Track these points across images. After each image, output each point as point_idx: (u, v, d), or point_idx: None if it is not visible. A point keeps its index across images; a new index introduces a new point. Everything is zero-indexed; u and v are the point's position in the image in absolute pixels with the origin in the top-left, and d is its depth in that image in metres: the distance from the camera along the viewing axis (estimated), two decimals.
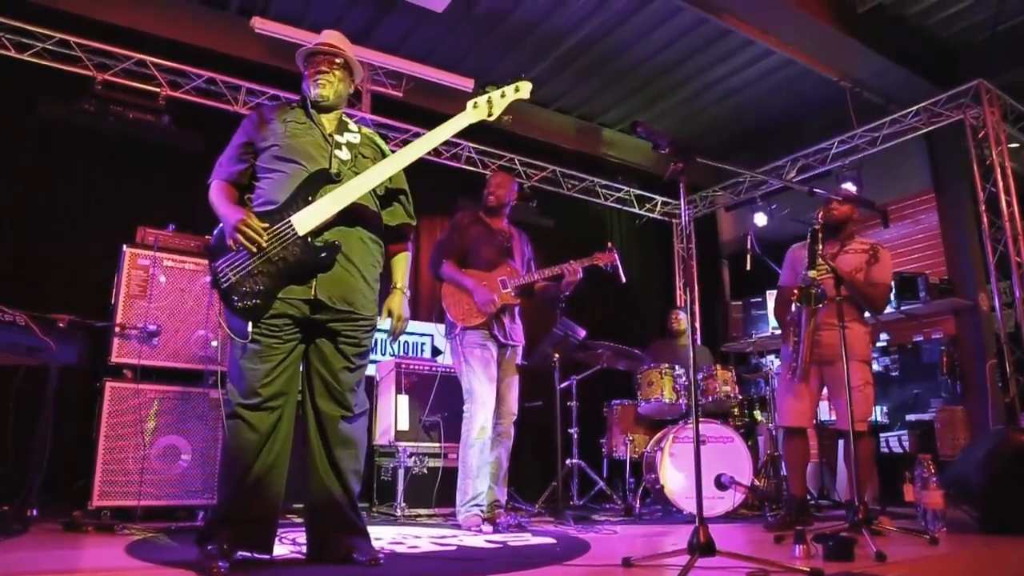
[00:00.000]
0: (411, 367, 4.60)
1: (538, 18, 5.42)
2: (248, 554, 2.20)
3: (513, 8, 5.31)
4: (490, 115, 2.44)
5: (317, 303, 2.26)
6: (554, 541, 3.04)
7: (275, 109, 2.46)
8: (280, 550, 2.45)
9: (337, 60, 2.46)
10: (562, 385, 4.47)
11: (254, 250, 2.20)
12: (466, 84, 5.54)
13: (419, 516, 4.23)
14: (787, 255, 3.98)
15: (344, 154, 2.39)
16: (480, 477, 3.61)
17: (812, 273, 3.34)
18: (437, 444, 4.45)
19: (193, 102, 4.93)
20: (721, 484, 4.16)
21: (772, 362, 5.60)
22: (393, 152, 2.45)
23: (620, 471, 5.04)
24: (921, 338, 5.96)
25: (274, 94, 5.03)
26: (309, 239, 2.24)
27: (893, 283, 4.44)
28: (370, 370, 4.76)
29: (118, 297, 3.43)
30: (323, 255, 2.26)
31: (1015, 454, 3.33)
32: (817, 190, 3.53)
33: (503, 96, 2.44)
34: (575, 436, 4.99)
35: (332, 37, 2.52)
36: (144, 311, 3.44)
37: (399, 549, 2.73)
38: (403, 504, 4.22)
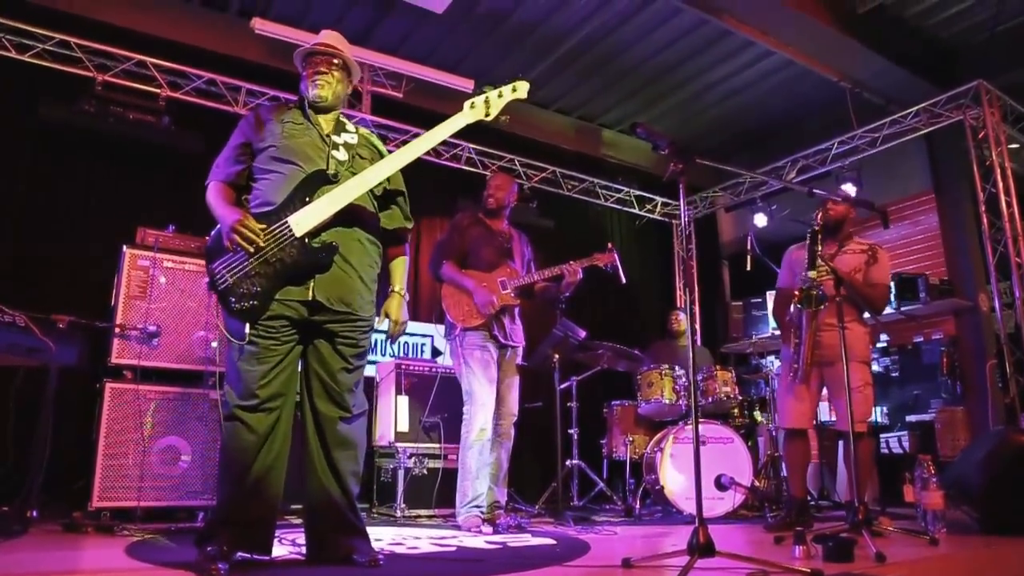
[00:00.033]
0: (411, 368, 4.59)
1: (538, 19, 5.42)
2: (247, 555, 2.20)
3: (513, 9, 5.31)
4: (487, 115, 2.43)
5: (315, 304, 2.25)
6: (554, 542, 3.04)
7: (273, 110, 2.44)
8: (279, 551, 2.45)
9: (335, 61, 2.45)
10: (562, 386, 4.46)
11: (251, 251, 2.19)
12: (466, 85, 5.52)
13: (419, 517, 4.23)
14: (785, 256, 3.97)
15: (341, 155, 2.38)
16: (480, 478, 3.61)
17: (812, 274, 3.33)
18: (437, 445, 4.45)
19: (193, 103, 4.93)
20: (721, 485, 4.16)
21: (772, 363, 5.59)
22: (391, 153, 2.45)
23: (620, 472, 5.04)
24: (921, 339, 5.96)
25: (274, 95, 5.03)
26: (306, 240, 2.23)
27: (893, 284, 4.44)
28: (370, 371, 4.78)
29: (118, 298, 3.43)
30: (321, 256, 2.25)
31: (1015, 455, 3.32)
32: (817, 191, 3.52)
33: (500, 96, 2.43)
34: (575, 437, 4.98)
35: (330, 37, 2.51)
36: (144, 312, 3.44)
37: (399, 550, 2.73)
38: (403, 505, 4.22)
